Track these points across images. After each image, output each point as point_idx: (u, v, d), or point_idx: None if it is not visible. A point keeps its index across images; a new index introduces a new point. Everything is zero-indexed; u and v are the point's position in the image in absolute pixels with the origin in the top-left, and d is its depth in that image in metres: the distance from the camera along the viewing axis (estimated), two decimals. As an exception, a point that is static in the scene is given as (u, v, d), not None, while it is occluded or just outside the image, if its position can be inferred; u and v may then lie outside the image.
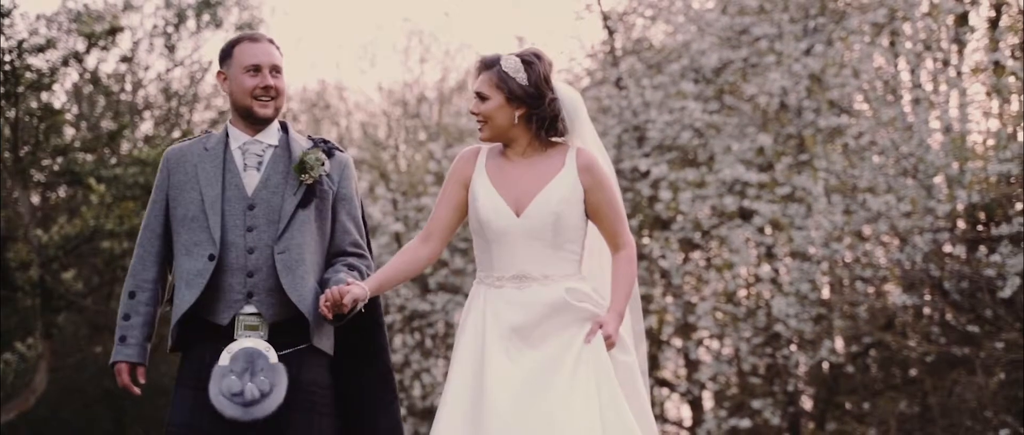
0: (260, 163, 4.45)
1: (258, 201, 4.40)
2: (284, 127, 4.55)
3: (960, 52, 12.96)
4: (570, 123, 4.36)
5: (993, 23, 13.11)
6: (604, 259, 4.45)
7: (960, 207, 11.54)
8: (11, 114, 13.00)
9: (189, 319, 4.38)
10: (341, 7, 28.20)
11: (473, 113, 4.36)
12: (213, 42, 17.67)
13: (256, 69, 4.41)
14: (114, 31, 13.07)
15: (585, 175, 4.33)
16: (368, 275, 4.46)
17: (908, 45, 12.83)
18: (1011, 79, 12.06)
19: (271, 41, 4.49)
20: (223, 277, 4.36)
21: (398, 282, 4.45)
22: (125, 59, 14.73)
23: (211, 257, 4.35)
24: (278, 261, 4.34)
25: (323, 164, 4.43)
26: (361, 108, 22.50)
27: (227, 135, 4.50)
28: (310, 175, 4.39)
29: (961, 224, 11.85)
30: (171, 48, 16.18)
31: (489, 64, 4.32)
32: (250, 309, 4.37)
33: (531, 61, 4.31)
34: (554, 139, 4.38)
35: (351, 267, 4.46)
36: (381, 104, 22.55)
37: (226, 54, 4.48)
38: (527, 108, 4.29)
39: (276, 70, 4.45)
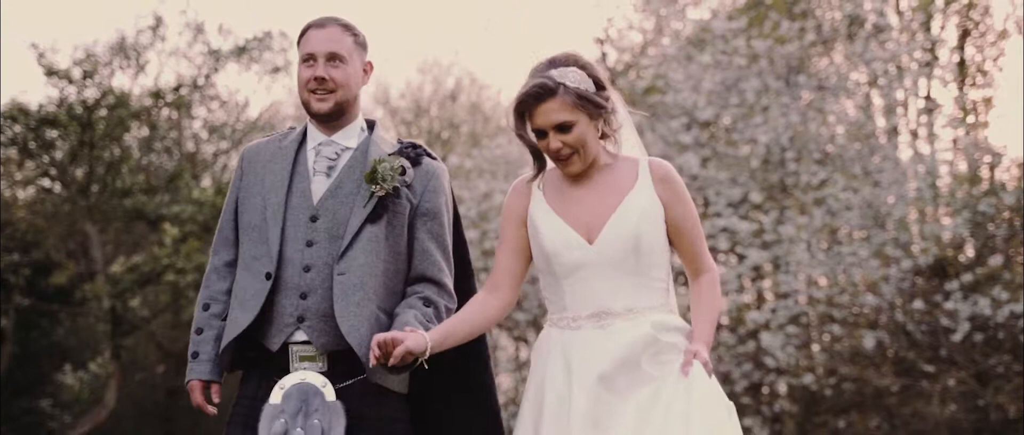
0: (331, 168, 3.88)
1: (322, 212, 3.82)
2: (371, 126, 3.98)
3: (929, 111, 14.62)
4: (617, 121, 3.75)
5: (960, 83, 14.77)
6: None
7: (920, 251, 13.24)
8: (85, 162, 14.64)
9: (240, 339, 3.86)
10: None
11: (557, 150, 3.65)
12: (247, 81, 19.06)
13: (310, 58, 3.86)
14: (179, 88, 14.68)
15: (663, 188, 3.70)
16: (446, 313, 3.88)
17: (877, 101, 14.51)
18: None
19: (343, 25, 3.90)
20: (276, 297, 3.80)
21: (467, 335, 3.74)
22: (179, 105, 16.23)
23: (268, 275, 3.80)
24: (336, 283, 3.75)
25: (403, 173, 3.84)
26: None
27: (305, 133, 3.95)
28: (382, 186, 3.80)
29: (923, 271, 13.52)
30: (214, 97, 17.68)
31: (552, 90, 3.60)
32: (301, 337, 3.80)
33: (581, 61, 3.67)
34: (609, 148, 3.77)
35: (427, 302, 3.86)
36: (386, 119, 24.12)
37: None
38: (603, 116, 3.68)
39: (335, 58, 3.85)
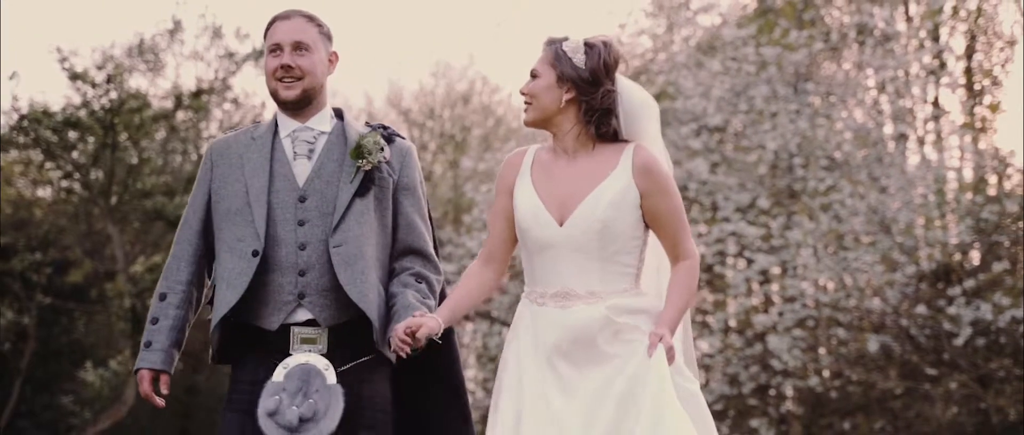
0: (312, 151, 4.00)
1: (310, 192, 3.95)
2: (339, 114, 4.12)
3: (936, 118, 14.86)
4: (628, 125, 3.83)
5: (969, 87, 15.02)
6: (663, 277, 3.90)
7: (925, 257, 13.52)
8: (107, 163, 14.97)
9: (234, 325, 3.94)
10: (370, 43, 29.79)
11: (522, 93, 3.87)
12: (261, 84, 19.28)
13: (276, 48, 3.98)
14: (199, 93, 15.02)
15: (642, 177, 3.75)
16: (437, 284, 4.05)
17: (886, 108, 14.75)
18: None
19: (308, 16, 4.05)
20: (272, 276, 3.89)
21: (469, 309, 3.95)
22: (198, 109, 16.54)
23: (255, 253, 3.89)
24: (334, 255, 3.87)
25: (382, 149, 3.99)
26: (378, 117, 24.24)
27: (276, 123, 4.05)
28: (368, 160, 3.95)
29: (927, 277, 13.80)
30: (234, 100, 18.02)
31: (547, 43, 3.85)
32: (304, 315, 3.90)
33: (594, 44, 3.80)
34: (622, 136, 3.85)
35: (419, 278, 4.02)
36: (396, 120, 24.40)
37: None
38: (577, 92, 3.77)
39: (300, 47, 3.98)
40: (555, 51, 3.79)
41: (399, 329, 3.67)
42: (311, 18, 4.02)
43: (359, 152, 3.93)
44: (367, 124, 4.09)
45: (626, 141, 3.82)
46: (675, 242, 3.78)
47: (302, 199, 3.93)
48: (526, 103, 3.83)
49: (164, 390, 3.96)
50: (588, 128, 3.79)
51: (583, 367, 3.71)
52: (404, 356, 3.69)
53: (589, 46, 3.78)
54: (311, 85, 3.98)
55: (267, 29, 4.03)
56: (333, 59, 4.07)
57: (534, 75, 3.82)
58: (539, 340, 3.76)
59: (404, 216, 4.03)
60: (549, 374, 3.74)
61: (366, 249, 3.90)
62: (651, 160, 3.77)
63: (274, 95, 4.00)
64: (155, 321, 3.97)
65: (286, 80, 3.95)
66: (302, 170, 3.97)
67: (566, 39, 3.81)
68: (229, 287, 3.88)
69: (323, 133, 4.02)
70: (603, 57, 3.77)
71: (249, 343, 3.95)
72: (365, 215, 3.93)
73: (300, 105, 3.99)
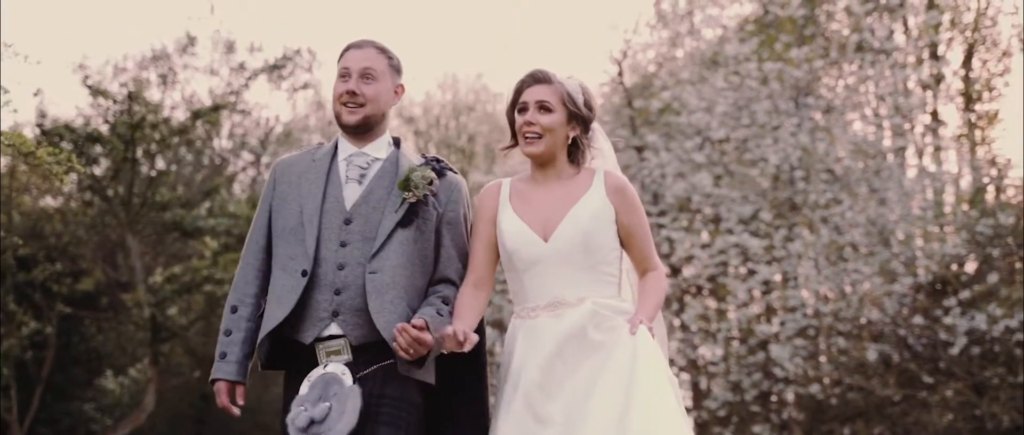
0: (363, 176, 4.14)
1: (356, 216, 4.08)
2: (396, 142, 4.26)
3: (936, 130, 15.21)
4: (593, 155, 4.23)
5: (966, 96, 15.36)
6: (631, 283, 4.22)
7: (923, 268, 13.90)
8: (127, 177, 15.34)
9: (276, 336, 4.08)
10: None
11: (530, 124, 4.10)
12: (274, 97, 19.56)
13: (345, 74, 4.14)
14: (218, 108, 15.41)
15: (615, 196, 4.10)
16: None
17: (886, 123, 15.10)
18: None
19: (380, 47, 4.19)
20: (311, 293, 4.03)
21: (474, 324, 4.10)
22: (214, 122, 16.96)
23: (304, 272, 4.02)
24: (368, 281, 3.99)
25: (431, 183, 4.11)
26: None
27: (336, 147, 4.21)
28: (415, 193, 4.07)
29: (924, 287, 14.17)
30: (245, 112, 18.41)
31: (548, 79, 4.11)
32: (334, 330, 4.02)
33: (586, 87, 4.15)
34: (587, 166, 4.23)
35: (445, 301, 4.13)
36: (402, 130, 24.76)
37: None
38: (582, 130, 4.14)
39: (367, 75, 4.14)
40: (567, 90, 4.09)
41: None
42: (383, 50, 4.17)
43: (407, 185, 4.06)
44: (422, 156, 4.22)
45: (592, 168, 4.18)
46: (644, 256, 4.12)
47: (347, 221, 4.06)
48: (536, 135, 4.08)
49: (240, 401, 4.14)
50: (575, 160, 4.15)
51: (574, 364, 3.95)
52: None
53: (584, 88, 4.12)
54: (373, 112, 4.14)
55: (341, 55, 4.19)
56: (399, 91, 4.23)
57: (547, 108, 4.08)
58: (534, 347, 3.98)
59: (445, 249, 4.16)
60: (542, 374, 3.94)
61: (400, 279, 4.02)
62: (622, 182, 4.12)
63: (338, 118, 4.16)
64: (228, 333, 4.14)
65: (350, 105, 4.12)
66: (351, 193, 4.11)
67: (554, 75, 4.10)
68: (278, 303, 4.05)
69: (378, 160, 4.16)
70: (593, 99, 4.15)
71: (286, 355, 4.11)
72: (405, 245, 4.05)
73: (360, 130, 4.15)
